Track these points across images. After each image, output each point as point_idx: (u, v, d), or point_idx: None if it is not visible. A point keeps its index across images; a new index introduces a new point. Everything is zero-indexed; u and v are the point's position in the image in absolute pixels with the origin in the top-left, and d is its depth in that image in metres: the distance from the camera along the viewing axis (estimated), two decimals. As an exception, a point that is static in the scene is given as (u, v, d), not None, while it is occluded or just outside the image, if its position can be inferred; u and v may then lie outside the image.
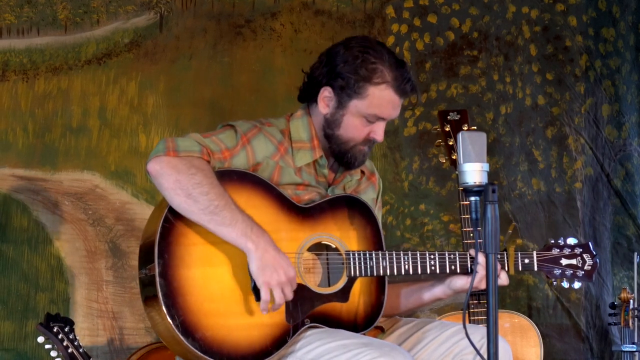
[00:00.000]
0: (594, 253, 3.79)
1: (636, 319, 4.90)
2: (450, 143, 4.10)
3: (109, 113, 4.91)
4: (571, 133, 5.55)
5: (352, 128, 3.62)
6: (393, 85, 3.57)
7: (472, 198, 3.02)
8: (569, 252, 3.79)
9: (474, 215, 3.02)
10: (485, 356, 2.97)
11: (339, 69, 3.58)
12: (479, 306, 4.12)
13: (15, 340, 4.74)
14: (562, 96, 5.55)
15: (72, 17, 4.88)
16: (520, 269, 3.73)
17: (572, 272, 3.78)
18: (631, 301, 4.92)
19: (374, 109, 3.58)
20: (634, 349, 4.89)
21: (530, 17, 5.51)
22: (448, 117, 4.13)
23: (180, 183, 3.38)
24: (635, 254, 5.13)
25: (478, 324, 4.06)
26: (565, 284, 3.78)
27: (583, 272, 3.78)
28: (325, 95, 3.62)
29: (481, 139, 3.03)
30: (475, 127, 4.12)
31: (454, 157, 4.07)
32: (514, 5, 5.49)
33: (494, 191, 2.96)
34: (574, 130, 5.55)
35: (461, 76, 5.42)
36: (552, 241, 3.82)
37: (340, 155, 3.67)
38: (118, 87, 4.92)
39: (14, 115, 4.80)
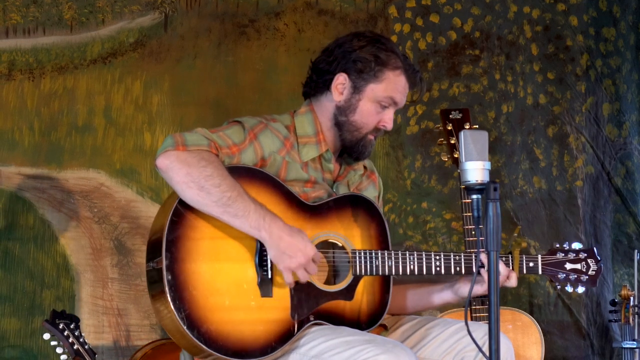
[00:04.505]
0: (599, 258, 3.78)
1: (636, 315, 4.92)
2: (452, 141, 4.12)
3: (114, 112, 4.93)
4: (572, 132, 5.57)
5: (367, 113, 3.65)
6: (406, 73, 3.64)
7: (474, 196, 3.03)
8: (574, 256, 3.78)
9: (475, 213, 3.03)
10: (487, 353, 2.99)
11: (356, 54, 3.62)
12: (481, 304, 4.14)
13: (22, 337, 4.76)
14: (563, 95, 5.56)
15: (77, 17, 4.90)
16: (524, 272, 3.73)
17: (576, 276, 3.77)
18: (631, 298, 4.94)
19: (390, 92, 3.62)
20: (634, 346, 4.91)
21: (532, 17, 5.53)
22: (450, 116, 4.15)
23: (191, 176, 3.40)
24: (636, 251, 5.15)
25: (480, 321, 4.09)
26: (569, 289, 3.76)
27: (587, 277, 3.77)
28: (340, 81, 3.64)
29: (483, 137, 3.04)
30: (477, 126, 4.14)
31: (455, 156, 4.08)
32: (516, 5, 5.51)
33: (495, 189, 2.97)
34: (575, 128, 5.57)
35: (463, 75, 5.44)
36: (557, 245, 3.80)
37: (352, 145, 3.69)
38: (123, 86, 4.94)
39: (20, 114, 4.82)
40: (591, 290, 5.51)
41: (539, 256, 3.76)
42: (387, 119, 3.67)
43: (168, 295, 3.36)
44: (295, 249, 3.40)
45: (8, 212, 4.79)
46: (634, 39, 5.66)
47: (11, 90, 4.82)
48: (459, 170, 3.15)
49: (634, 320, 4.92)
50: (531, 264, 3.75)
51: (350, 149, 3.70)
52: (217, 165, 3.43)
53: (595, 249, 3.82)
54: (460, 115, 4.13)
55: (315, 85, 3.71)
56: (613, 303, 5.03)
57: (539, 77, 5.54)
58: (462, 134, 3.04)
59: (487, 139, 3.04)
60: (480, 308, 4.11)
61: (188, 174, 3.40)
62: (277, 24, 5.16)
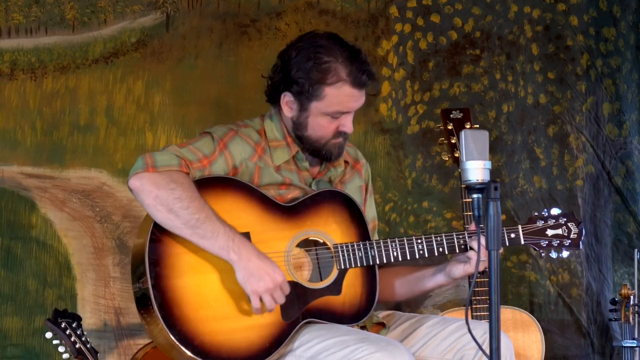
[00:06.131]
0: (579, 220, 3.78)
1: (636, 314, 4.92)
2: (453, 141, 4.13)
3: (116, 111, 4.94)
4: (572, 131, 5.58)
5: (319, 127, 3.63)
6: (349, 81, 3.57)
7: (475, 195, 3.04)
8: (554, 222, 3.77)
9: (476, 213, 3.04)
10: (488, 352, 3.00)
11: (292, 75, 3.59)
12: (481, 302, 4.15)
13: (24, 335, 4.77)
14: (563, 95, 5.57)
15: (79, 17, 4.90)
16: (507, 244, 3.73)
17: (558, 241, 3.75)
18: (631, 297, 4.95)
19: (334, 107, 3.60)
20: (634, 345, 4.92)
21: (532, 17, 5.54)
22: (451, 116, 4.16)
23: (160, 199, 3.41)
24: (636, 250, 5.15)
25: (480, 319, 4.10)
26: (554, 254, 3.75)
27: (570, 241, 3.75)
28: (287, 100, 3.64)
29: (483, 137, 3.05)
30: (477, 125, 4.16)
31: (456, 155, 4.10)
32: (516, 4, 5.51)
33: (496, 189, 2.99)
34: (575, 128, 5.58)
35: (464, 75, 5.45)
36: (536, 213, 3.81)
37: (315, 153, 3.70)
38: (125, 85, 4.94)
39: (22, 114, 4.82)
40: (591, 289, 5.52)
41: (519, 226, 3.75)
42: (345, 123, 3.63)
43: (158, 314, 3.36)
44: (263, 272, 3.40)
45: (10, 211, 4.80)
46: (634, 39, 5.67)
47: (13, 90, 4.82)
48: (459, 170, 3.17)
49: (634, 319, 4.93)
50: (513, 235, 3.73)
51: (315, 155, 3.71)
52: (186, 187, 3.43)
53: (573, 212, 3.82)
54: (461, 114, 4.15)
55: (271, 98, 3.72)
56: (613, 302, 5.04)
57: (539, 76, 5.55)
58: (462, 134, 3.05)
59: (487, 139, 3.05)
60: (480, 307, 4.13)
61: (157, 197, 3.41)
62: (278, 23, 5.17)
